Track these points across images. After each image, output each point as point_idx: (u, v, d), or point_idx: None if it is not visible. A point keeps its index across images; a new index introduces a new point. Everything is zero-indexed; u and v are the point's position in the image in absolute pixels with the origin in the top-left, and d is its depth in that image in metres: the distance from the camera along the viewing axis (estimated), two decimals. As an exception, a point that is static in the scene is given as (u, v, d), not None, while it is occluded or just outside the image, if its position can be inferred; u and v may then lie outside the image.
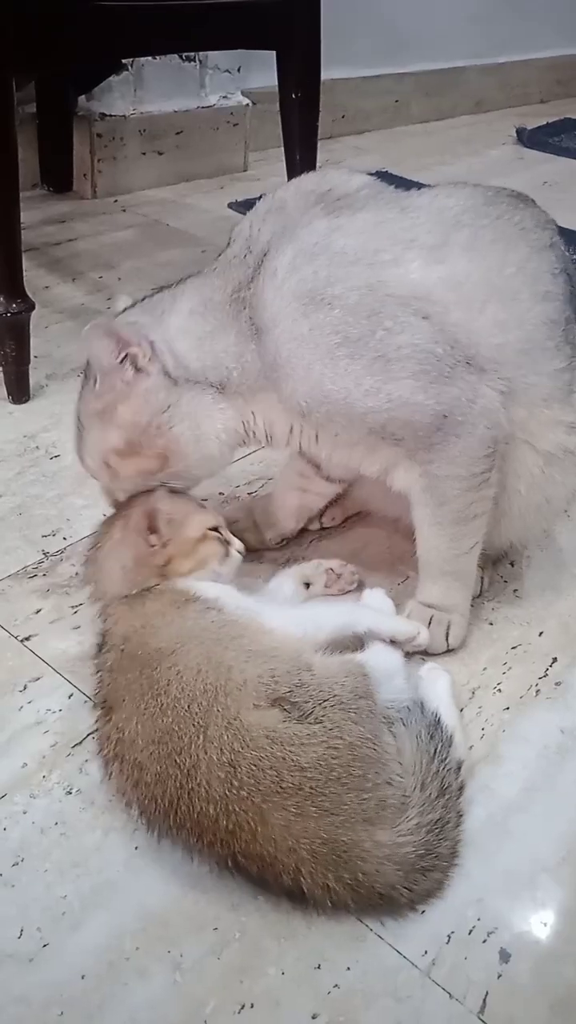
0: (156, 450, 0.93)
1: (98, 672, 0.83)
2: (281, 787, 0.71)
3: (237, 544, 0.94)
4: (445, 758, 0.79)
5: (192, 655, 0.78)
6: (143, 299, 0.99)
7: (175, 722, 0.74)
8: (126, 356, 0.91)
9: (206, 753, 0.72)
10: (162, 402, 0.93)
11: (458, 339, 0.88)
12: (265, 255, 0.90)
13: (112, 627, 0.84)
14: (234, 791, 0.71)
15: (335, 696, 0.77)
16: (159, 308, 0.95)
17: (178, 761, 0.73)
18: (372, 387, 0.87)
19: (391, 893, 0.71)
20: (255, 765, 0.71)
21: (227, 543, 0.93)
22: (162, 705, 0.75)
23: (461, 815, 0.79)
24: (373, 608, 0.95)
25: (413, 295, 0.87)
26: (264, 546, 1.13)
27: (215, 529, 0.92)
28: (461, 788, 0.80)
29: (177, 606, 0.84)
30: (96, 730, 0.80)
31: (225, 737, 0.72)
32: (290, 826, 0.70)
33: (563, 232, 1.00)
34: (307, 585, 1.03)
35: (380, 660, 0.87)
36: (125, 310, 0.99)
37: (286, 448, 0.99)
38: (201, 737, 0.73)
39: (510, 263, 0.91)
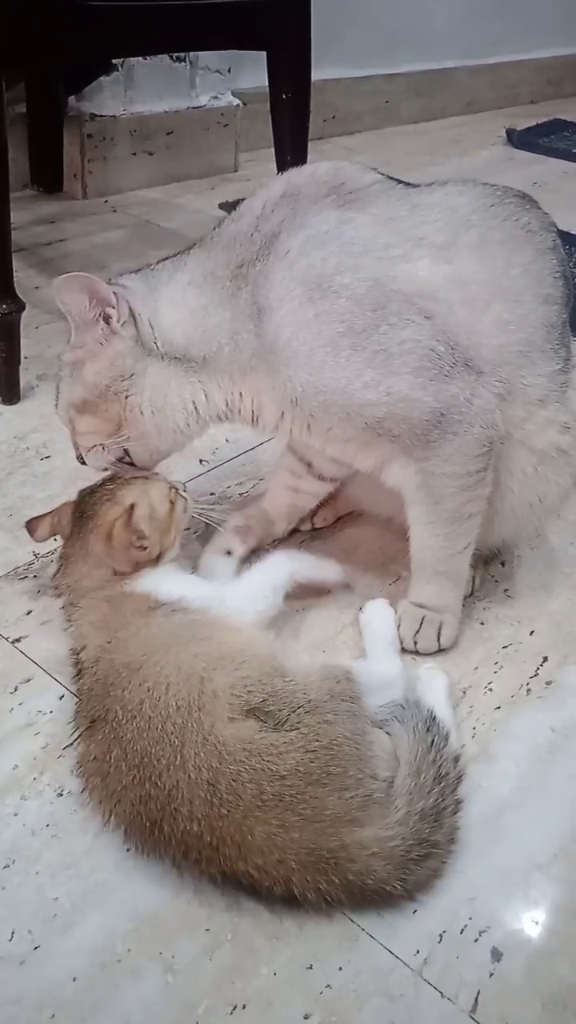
0: (110, 415, 0.94)
1: (78, 698, 0.83)
2: (262, 800, 0.71)
3: (181, 487, 0.97)
4: (442, 748, 0.79)
5: (160, 667, 0.77)
6: (148, 267, 0.98)
7: (152, 744, 0.74)
8: (103, 314, 0.92)
9: (184, 773, 0.72)
10: (126, 369, 0.93)
11: (459, 340, 0.88)
12: (275, 236, 0.90)
13: (82, 651, 0.85)
14: (216, 808, 0.70)
15: (310, 701, 0.77)
16: (157, 279, 0.95)
17: (159, 783, 0.72)
18: (372, 380, 0.87)
19: (383, 887, 0.71)
20: (235, 780, 0.71)
21: (176, 489, 0.95)
22: (138, 728, 0.75)
23: (460, 802, 0.78)
24: (304, 559, 1.02)
25: (419, 293, 0.87)
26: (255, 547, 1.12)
27: (170, 495, 0.94)
28: (460, 777, 0.80)
29: (141, 615, 0.84)
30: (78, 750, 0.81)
31: (202, 755, 0.72)
32: (274, 839, 0.70)
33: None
34: (228, 552, 1.04)
35: (377, 669, 0.88)
36: (128, 274, 0.99)
37: (274, 433, 0.98)
38: (178, 757, 0.72)
39: (516, 264, 0.91)
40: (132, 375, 0.93)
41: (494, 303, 0.90)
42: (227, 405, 0.96)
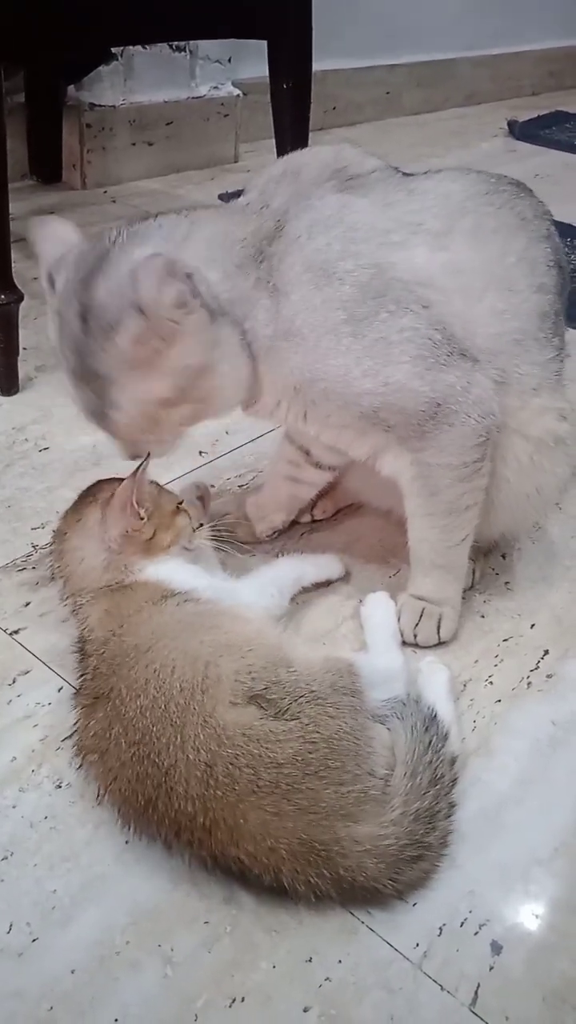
0: (200, 393, 0.86)
1: (81, 677, 0.83)
2: (258, 786, 0.70)
3: (196, 516, 0.96)
4: (439, 749, 0.79)
5: (169, 650, 0.77)
6: (137, 224, 0.89)
7: (153, 723, 0.74)
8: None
9: (183, 753, 0.72)
10: (210, 340, 0.84)
11: (455, 330, 0.88)
12: (285, 215, 0.88)
13: (89, 635, 0.84)
14: (211, 790, 0.70)
15: (312, 692, 0.76)
16: (177, 235, 0.86)
17: (157, 761, 0.72)
18: (371, 368, 0.86)
19: (374, 886, 0.71)
20: (231, 764, 0.71)
21: (185, 509, 0.94)
22: (141, 707, 0.75)
23: (453, 806, 0.78)
24: (307, 564, 1.05)
25: (417, 280, 0.87)
26: (255, 539, 1.12)
27: (180, 504, 0.94)
28: (454, 780, 0.80)
29: (154, 602, 0.84)
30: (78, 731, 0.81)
31: (202, 736, 0.72)
32: (268, 825, 0.70)
33: (556, 225, 1.00)
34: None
35: (379, 663, 0.88)
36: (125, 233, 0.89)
37: (268, 418, 0.96)
38: (178, 737, 0.72)
39: (511, 252, 0.91)
40: (216, 344, 0.84)
41: (489, 291, 0.89)
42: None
